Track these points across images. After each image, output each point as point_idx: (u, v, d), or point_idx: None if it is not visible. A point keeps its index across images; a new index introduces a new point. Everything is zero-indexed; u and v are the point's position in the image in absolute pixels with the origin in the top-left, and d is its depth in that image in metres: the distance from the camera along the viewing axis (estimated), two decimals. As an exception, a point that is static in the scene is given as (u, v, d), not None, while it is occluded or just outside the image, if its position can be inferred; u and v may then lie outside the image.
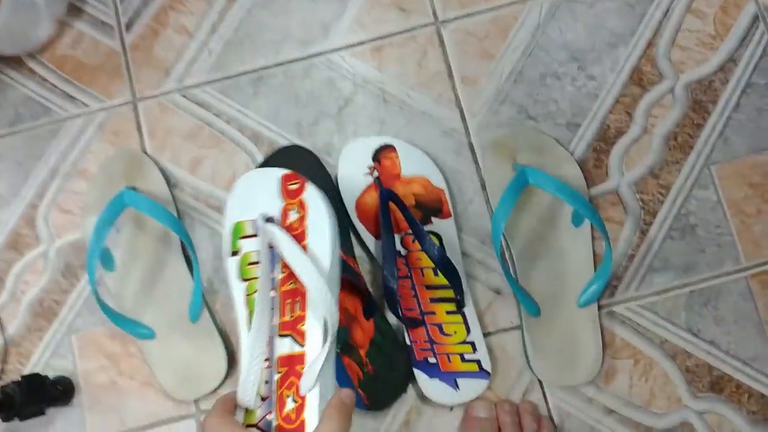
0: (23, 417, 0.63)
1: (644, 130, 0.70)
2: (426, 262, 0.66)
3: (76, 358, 0.68)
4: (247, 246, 0.56)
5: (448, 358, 0.65)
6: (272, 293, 0.55)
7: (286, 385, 0.52)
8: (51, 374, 0.67)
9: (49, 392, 0.65)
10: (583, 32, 0.72)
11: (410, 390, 0.66)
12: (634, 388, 0.66)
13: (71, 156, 0.72)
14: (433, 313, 0.66)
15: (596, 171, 0.69)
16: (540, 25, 0.72)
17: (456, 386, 0.64)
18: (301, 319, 0.53)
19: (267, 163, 0.69)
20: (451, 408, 0.66)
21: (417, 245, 0.66)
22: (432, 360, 0.65)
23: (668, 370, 0.66)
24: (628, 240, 0.68)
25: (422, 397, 0.65)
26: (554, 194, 0.62)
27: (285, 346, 0.53)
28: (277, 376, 0.52)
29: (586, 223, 0.67)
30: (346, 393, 0.49)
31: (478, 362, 0.65)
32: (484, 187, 0.69)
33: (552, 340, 0.66)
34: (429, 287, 0.66)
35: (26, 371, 0.68)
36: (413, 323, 0.65)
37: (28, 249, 0.71)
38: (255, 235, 0.55)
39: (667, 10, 0.72)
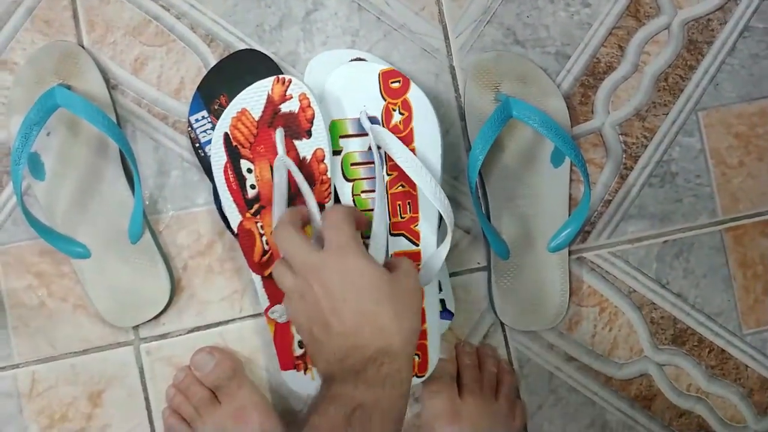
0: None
1: (635, 68, 0.65)
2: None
3: (0, 276, 0.62)
4: (350, 146, 0.56)
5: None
6: None
7: None
8: (-31, 290, 0.60)
9: (-32, 310, 0.59)
10: (583, -48, 0.65)
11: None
12: (597, 336, 0.64)
13: (-7, 43, 0.62)
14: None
15: (581, 108, 0.65)
16: (537, -61, 0.65)
17: None
18: (414, 220, 0.57)
19: (220, 67, 0.61)
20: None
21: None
22: None
23: (633, 321, 0.64)
24: (606, 184, 0.65)
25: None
26: (538, 130, 0.58)
27: (399, 244, 0.57)
28: None
29: (566, 164, 0.63)
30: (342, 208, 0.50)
31: (443, 302, 0.61)
32: (462, 117, 0.64)
33: (518, 283, 0.63)
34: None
35: (-59, 285, 0.61)
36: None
37: (-59, 148, 0.62)
38: (356, 135, 0.56)
39: (675, -64, 0.66)
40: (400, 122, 0.55)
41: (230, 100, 0.55)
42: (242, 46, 0.63)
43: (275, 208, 0.53)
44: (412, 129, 0.55)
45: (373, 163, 0.56)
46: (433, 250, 0.57)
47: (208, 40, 0.63)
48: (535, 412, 0.64)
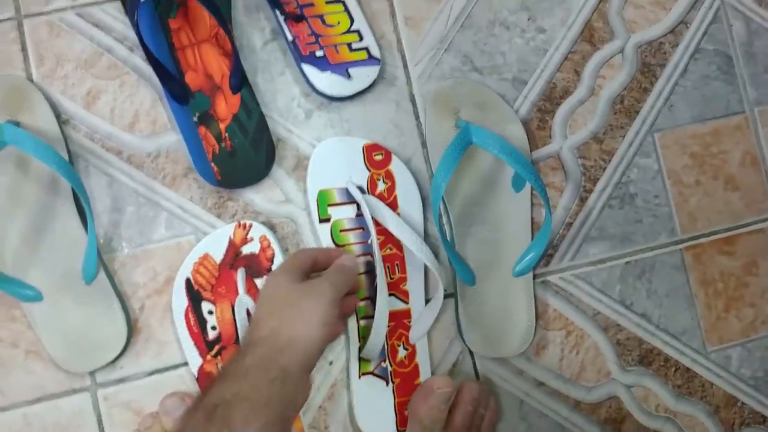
0: None
1: (591, 91, 0.66)
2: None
3: (-56, 322, 0.58)
4: (337, 213, 0.60)
5: (336, 49, 0.62)
6: (368, 257, 0.60)
7: (395, 336, 0.60)
8: None
9: None
10: (537, -21, 0.66)
11: (333, 367, 0.61)
12: (564, 360, 0.64)
13: (-64, 79, 0.60)
14: (311, 5, 0.62)
15: (539, 133, 0.65)
16: (491, -33, 0.66)
17: (348, 76, 0.62)
18: (403, 280, 0.61)
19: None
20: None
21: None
22: (319, 53, 0.62)
23: (599, 343, 0.64)
24: (567, 208, 0.65)
25: (317, 93, 0.62)
26: (498, 156, 0.58)
27: (390, 304, 0.60)
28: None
29: (527, 188, 0.63)
30: (346, 257, 0.55)
31: (367, 49, 0.62)
32: (424, 144, 0.63)
33: (485, 310, 0.62)
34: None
35: None
36: (294, 18, 0.62)
37: None
38: (343, 203, 0.60)
39: (624, -37, 0.67)
40: (384, 190, 0.61)
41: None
42: (198, 78, 0.62)
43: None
44: (396, 196, 0.61)
45: (360, 228, 0.60)
46: (422, 306, 0.61)
47: (162, 73, 0.62)
48: (507, 440, 0.63)
